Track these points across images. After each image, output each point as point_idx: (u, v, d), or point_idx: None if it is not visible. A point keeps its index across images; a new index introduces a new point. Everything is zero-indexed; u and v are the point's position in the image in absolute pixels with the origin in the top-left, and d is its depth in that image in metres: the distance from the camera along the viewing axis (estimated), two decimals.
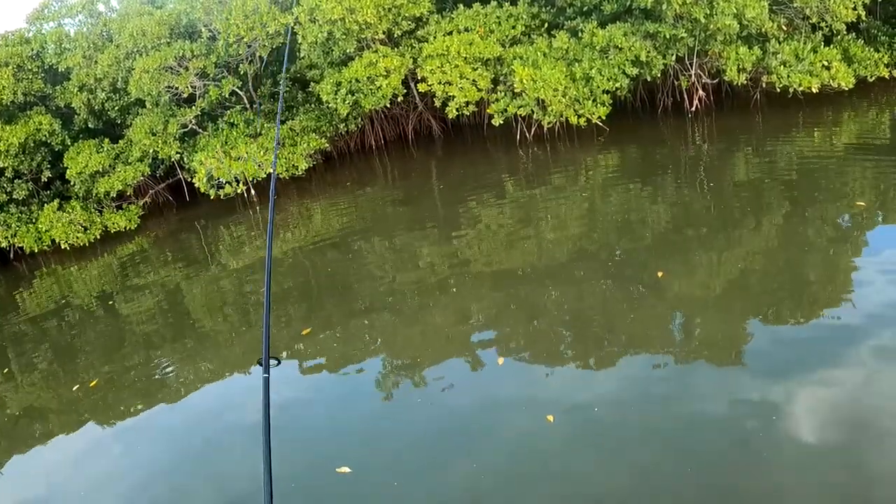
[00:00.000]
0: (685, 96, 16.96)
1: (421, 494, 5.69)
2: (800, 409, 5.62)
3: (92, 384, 9.43)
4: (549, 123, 15.55)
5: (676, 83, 17.04)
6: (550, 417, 6.15)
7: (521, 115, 15.98)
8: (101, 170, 17.48)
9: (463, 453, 6.03)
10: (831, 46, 14.71)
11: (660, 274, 8.51)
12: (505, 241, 11.23)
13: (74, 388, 9.46)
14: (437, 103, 16.23)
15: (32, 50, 18.70)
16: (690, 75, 16.24)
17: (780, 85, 14.74)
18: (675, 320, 7.66)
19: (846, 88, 14.37)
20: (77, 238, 16.93)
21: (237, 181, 16.44)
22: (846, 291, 7.39)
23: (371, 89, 15.89)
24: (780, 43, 14.88)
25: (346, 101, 16.13)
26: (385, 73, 15.79)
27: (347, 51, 16.37)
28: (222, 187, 16.50)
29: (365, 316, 9.52)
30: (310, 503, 5.95)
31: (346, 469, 6.02)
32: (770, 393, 5.87)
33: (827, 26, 14.97)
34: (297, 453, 6.47)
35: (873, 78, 14.86)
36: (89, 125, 19.05)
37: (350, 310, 9.85)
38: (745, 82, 15.39)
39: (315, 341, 9.05)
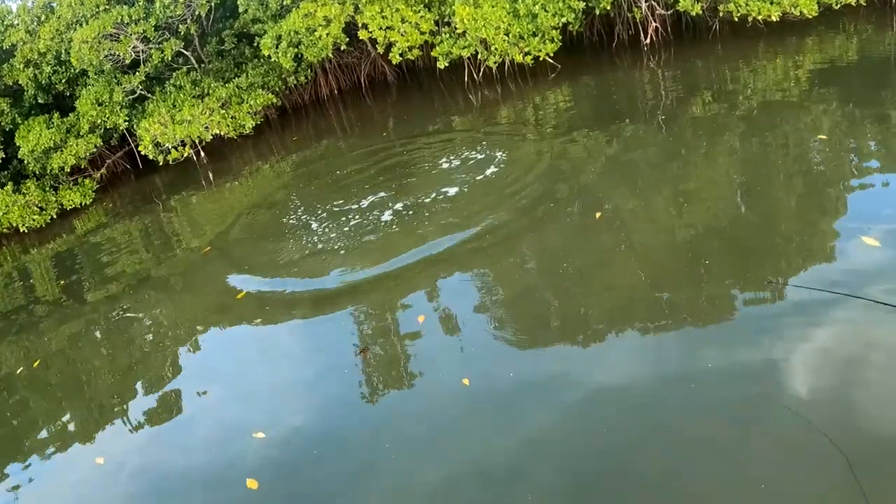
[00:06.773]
0: (641, 29, 16.47)
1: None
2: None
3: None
4: (494, 63, 15.15)
5: (630, 15, 16.53)
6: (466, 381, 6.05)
7: (465, 56, 15.58)
8: (52, 145, 17.20)
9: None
10: None
11: (597, 215, 8.30)
12: (447, 179, 11.01)
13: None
14: (380, 49, 15.81)
15: None
16: (642, 7, 15.72)
17: (738, 14, 14.09)
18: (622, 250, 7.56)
19: (810, 17, 13.65)
20: (33, 220, 16.70)
21: (183, 144, 16.18)
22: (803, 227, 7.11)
23: (311, 40, 15.49)
24: None
25: (288, 55, 15.75)
26: (324, 23, 15.36)
27: (285, 2, 15.92)
28: (169, 153, 16.27)
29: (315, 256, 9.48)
30: None
31: None
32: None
33: None
34: None
35: (839, 5, 14.10)
36: (39, 101, 18.71)
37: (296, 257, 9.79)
38: (701, 12, 14.82)
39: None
